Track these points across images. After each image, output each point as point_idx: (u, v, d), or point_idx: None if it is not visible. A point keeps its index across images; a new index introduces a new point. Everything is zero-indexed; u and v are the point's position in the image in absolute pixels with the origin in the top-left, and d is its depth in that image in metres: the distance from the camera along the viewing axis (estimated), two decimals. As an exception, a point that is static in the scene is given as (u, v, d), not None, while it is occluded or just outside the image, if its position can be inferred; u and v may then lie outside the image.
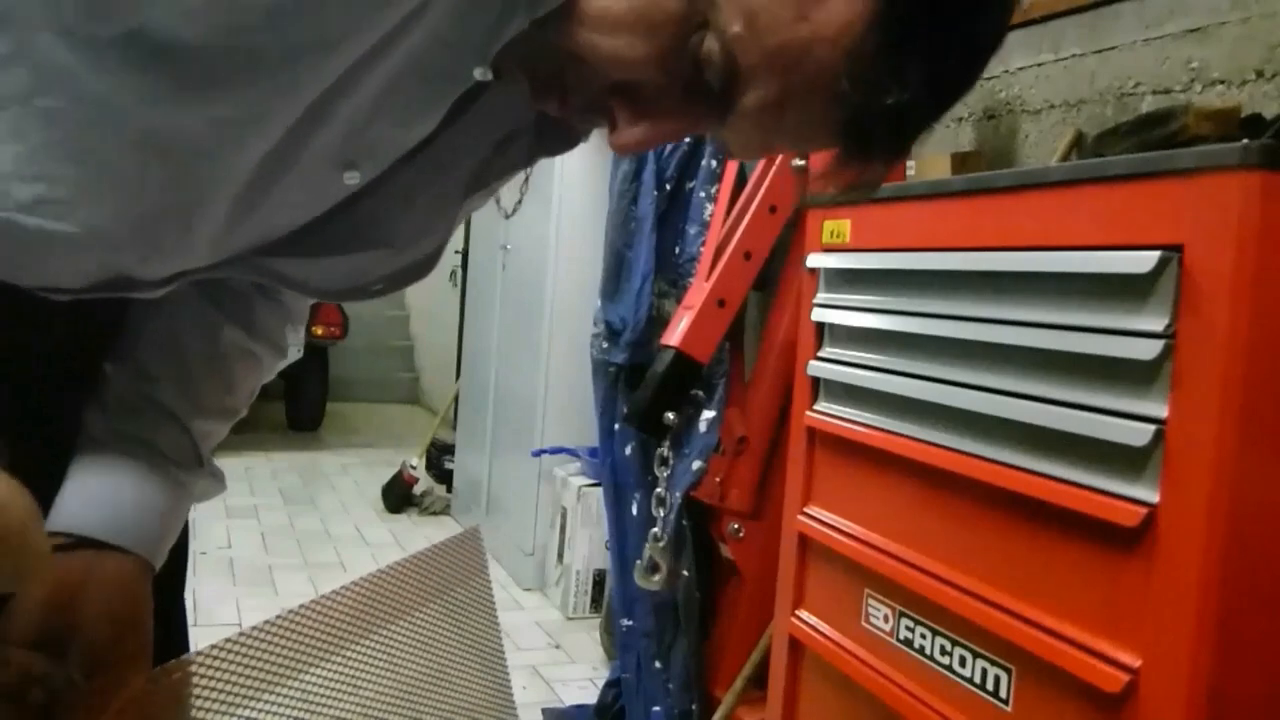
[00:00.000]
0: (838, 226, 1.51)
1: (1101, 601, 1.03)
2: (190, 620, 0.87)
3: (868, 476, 1.43)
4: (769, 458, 2.10)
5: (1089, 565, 1.04)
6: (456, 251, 4.84)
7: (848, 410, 1.47)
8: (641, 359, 2.26)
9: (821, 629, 1.51)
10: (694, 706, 2.18)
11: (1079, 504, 1.04)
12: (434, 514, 4.31)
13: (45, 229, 0.56)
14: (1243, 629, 0.93)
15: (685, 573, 2.15)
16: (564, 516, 3.17)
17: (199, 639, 0.75)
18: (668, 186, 2.35)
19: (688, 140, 2.29)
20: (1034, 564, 1.11)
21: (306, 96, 0.53)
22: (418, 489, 4.31)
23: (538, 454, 3.31)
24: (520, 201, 3.51)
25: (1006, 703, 1.14)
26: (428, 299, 6.60)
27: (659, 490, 2.12)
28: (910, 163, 1.80)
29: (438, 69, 0.55)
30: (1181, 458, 0.94)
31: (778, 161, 2.00)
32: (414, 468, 4.31)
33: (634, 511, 2.32)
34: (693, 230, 2.30)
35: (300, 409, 5.88)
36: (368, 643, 0.71)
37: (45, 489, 0.67)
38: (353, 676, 0.70)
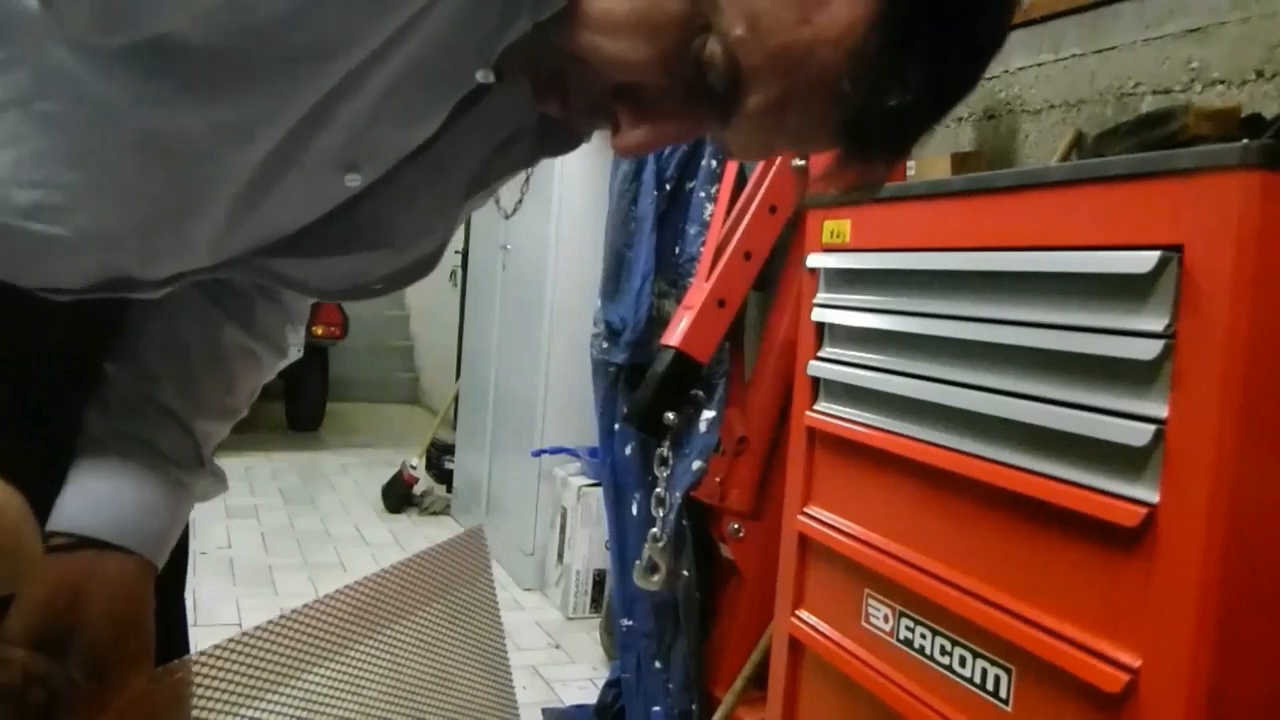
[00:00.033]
0: (838, 226, 1.51)
1: (1101, 601, 1.03)
2: (190, 620, 0.87)
3: (868, 476, 1.43)
4: (769, 458, 2.10)
5: (1089, 565, 1.04)
6: (456, 251, 4.84)
7: (848, 410, 1.47)
8: (641, 359, 2.26)
9: (821, 629, 1.51)
10: (694, 706, 2.18)
11: (1079, 504, 1.04)
12: (434, 514, 4.31)
13: (45, 233, 0.56)
14: (1243, 629, 0.93)
15: (685, 573, 2.15)
16: (564, 516, 3.17)
17: (199, 639, 0.75)
18: (668, 186, 2.35)
19: (688, 140, 2.29)
20: (1034, 564, 1.11)
21: (308, 99, 0.53)
22: (418, 489, 4.31)
23: (538, 454, 3.31)
24: (520, 202, 3.51)
25: (1006, 703, 1.14)
26: (428, 299, 6.60)
27: (658, 490, 2.12)
28: (910, 163, 1.80)
29: (440, 72, 0.55)
30: (1181, 458, 0.94)
31: (778, 161, 2.00)
32: (414, 468, 4.31)
33: (634, 511, 2.32)
34: (693, 230, 2.30)
35: (300, 409, 5.88)
36: (371, 643, 0.71)
37: (45, 489, 0.67)
38: (355, 677, 0.70)
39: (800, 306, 1.62)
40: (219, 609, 2.99)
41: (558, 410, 3.33)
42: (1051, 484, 1.08)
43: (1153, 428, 0.96)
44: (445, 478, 4.40)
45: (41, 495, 0.66)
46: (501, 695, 0.85)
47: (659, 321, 2.26)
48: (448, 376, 5.49)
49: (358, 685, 0.70)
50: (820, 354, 1.55)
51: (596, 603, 3.12)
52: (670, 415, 2.02)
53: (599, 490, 2.71)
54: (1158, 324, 0.96)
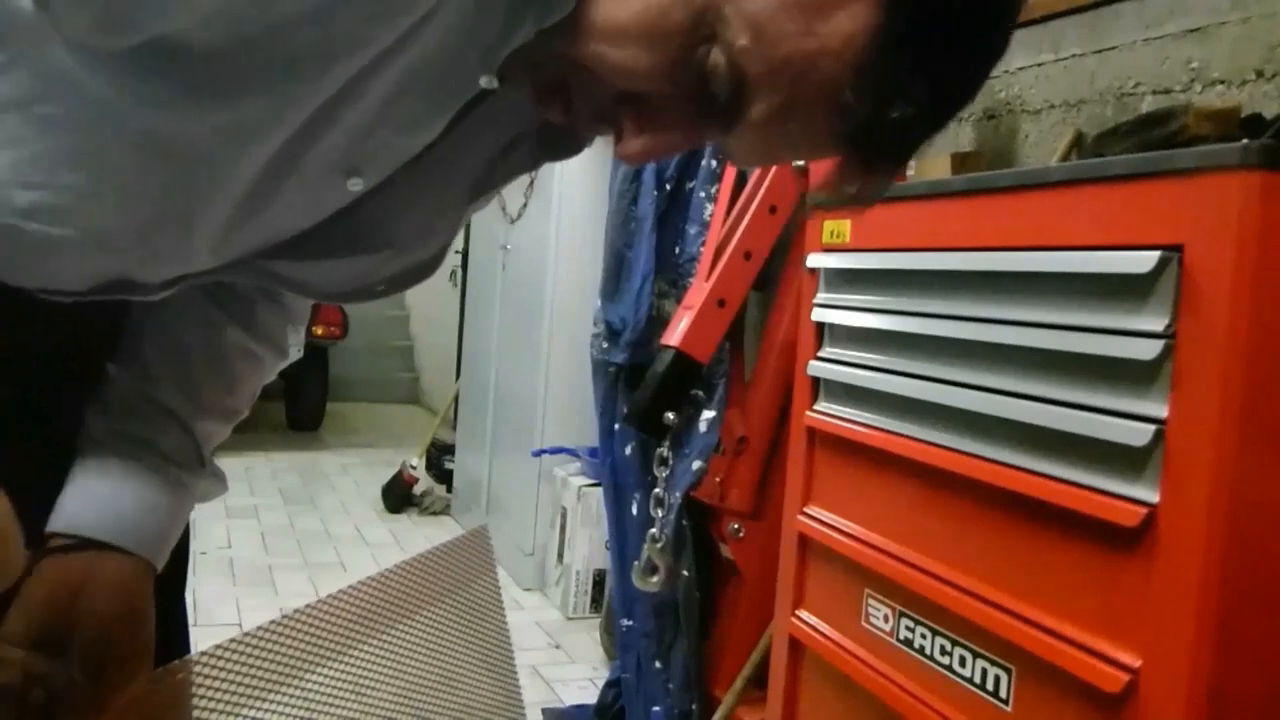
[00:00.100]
0: (838, 226, 1.51)
1: (1101, 601, 1.03)
2: (190, 620, 0.87)
3: (868, 476, 1.43)
4: (769, 458, 2.10)
5: (1089, 565, 1.04)
6: (456, 251, 4.84)
7: (848, 410, 1.47)
8: (641, 359, 2.26)
9: (821, 629, 1.51)
10: (694, 706, 2.18)
11: (1079, 504, 1.04)
12: (434, 514, 4.31)
13: (45, 234, 0.56)
14: (1243, 629, 0.93)
15: (685, 573, 2.15)
16: (564, 516, 3.17)
17: (199, 639, 0.75)
18: (668, 186, 2.35)
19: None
20: (1034, 564, 1.11)
21: (310, 104, 0.53)
22: (418, 489, 4.31)
23: (538, 454, 3.31)
24: (525, 206, 3.51)
25: (1006, 703, 1.14)
26: (428, 299, 6.60)
27: (657, 491, 2.12)
28: (910, 163, 1.80)
29: (443, 77, 0.55)
30: (1181, 458, 0.94)
31: (778, 162, 2.00)
32: (414, 468, 4.31)
33: (634, 511, 2.33)
34: (693, 230, 2.30)
35: (300, 409, 5.88)
36: (374, 643, 0.71)
37: (45, 489, 0.67)
38: (359, 678, 0.70)
39: (800, 306, 1.61)
40: (219, 609, 2.99)
41: (558, 410, 3.33)
42: (1051, 484, 1.08)
43: (1153, 428, 0.96)
44: (445, 478, 4.40)
45: (41, 495, 0.67)
46: (507, 695, 0.85)
47: (659, 321, 2.26)
48: (448, 376, 5.49)
49: (361, 686, 0.70)
50: (820, 354, 1.55)
51: (596, 603, 3.12)
52: (670, 415, 2.02)
53: (599, 490, 2.71)
54: (1158, 324, 0.96)
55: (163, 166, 0.55)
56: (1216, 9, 1.53)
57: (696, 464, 2.12)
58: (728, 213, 2.12)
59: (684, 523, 2.13)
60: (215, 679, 0.61)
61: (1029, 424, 1.11)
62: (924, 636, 1.28)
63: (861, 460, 1.44)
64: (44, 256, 0.58)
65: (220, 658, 0.61)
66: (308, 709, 0.67)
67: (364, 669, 0.71)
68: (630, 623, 2.31)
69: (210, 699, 0.61)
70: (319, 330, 5.36)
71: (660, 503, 2.11)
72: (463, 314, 4.66)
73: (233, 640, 0.62)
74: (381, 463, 4.96)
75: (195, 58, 0.50)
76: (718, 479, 2.10)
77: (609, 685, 2.47)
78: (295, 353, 0.83)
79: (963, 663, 1.21)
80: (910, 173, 1.80)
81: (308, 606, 0.66)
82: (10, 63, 0.52)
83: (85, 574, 0.65)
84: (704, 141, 0.58)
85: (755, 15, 0.49)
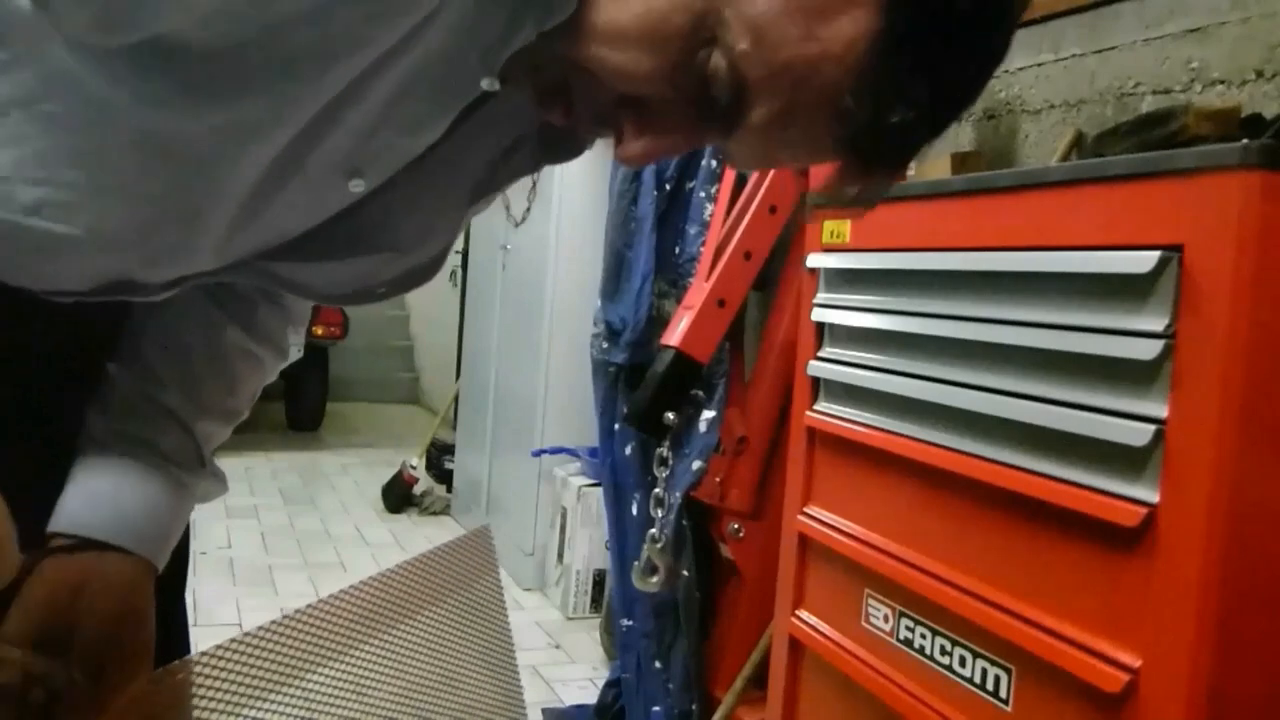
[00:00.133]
0: (838, 226, 1.51)
1: (1101, 601, 1.03)
2: (190, 620, 0.87)
3: (868, 476, 1.43)
4: (769, 458, 2.10)
5: (1089, 565, 1.04)
6: (457, 252, 4.84)
7: (848, 410, 1.48)
8: (641, 359, 2.26)
9: (821, 629, 1.51)
10: (694, 706, 2.18)
11: (1079, 504, 1.04)
12: (434, 514, 4.31)
13: (49, 231, 0.56)
14: (1243, 629, 0.93)
15: (685, 573, 2.15)
16: (564, 516, 3.17)
17: (199, 639, 0.75)
18: (668, 186, 2.35)
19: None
20: (1034, 564, 1.11)
21: (311, 105, 0.53)
22: (418, 489, 4.31)
23: (538, 454, 3.31)
24: (529, 209, 3.50)
25: (1006, 703, 1.14)
26: (428, 299, 6.60)
27: (657, 491, 2.12)
28: (910, 163, 1.80)
29: (445, 79, 0.55)
30: (1181, 458, 0.94)
31: (778, 162, 2.00)
32: (414, 468, 4.31)
33: (634, 511, 2.33)
34: (693, 230, 2.30)
35: (300, 409, 5.88)
36: (376, 643, 0.71)
37: (45, 489, 0.67)
38: (360, 678, 0.70)
39: (800, 306, 1.62)
40: (219, 609, 2.99)
41: (558, 410, 3.33)
42: (1051, 484, 1.08)
43: (1153, 428, 0.96)
44: (445, 478, 4.40)
45: (41, 495, 0.67)
46: (509, 696, 0.85)
47: (659, 321, 2.26)
48: (448, 376, 5.49)
49: (362, 686, 0.70)
50: (820, 354, 1.55)
51: (596, 603, 3.12)
52: (670, 415, 2.02)
53: (599, 490, 2.71)
54: (1158, 324, 0.96)
55: (163, 166, 0.55)
56: (1216, 9, 1.53)
57: (696, 464, 2.12)
58: (728, 213, 2.12)
59: (684, 523, 2.13)
60: (215, 679, 0.61)
61: (1029, 424, 1.11)
62: (924, 636, 1.28)
63: (861, 460, 1.44)
64: (46, 256, 0.58)
65: (220, 658, 0.61)
66: (308, 709, 0.67)
67: (365, 669, 0.71)
68: (630, 623, 2.31)
69: (210, 699, 0.61)
70: (319, 330, 5.36)
71: (660, 503, 2.11)
72: (463, 314, 4.66)
73: (233, 640, 0.62)
74: (381, 463, 4.96)
75: (194, 57, 0.50)
76: (718, 479, 2.10)
77: (609, 685, 2.47)
78: (295, 353, 0.83)
79: (963, 663, 1.21)
80: (910, 173, 1.80)
81: (308, 606, 0.66)
82: (11, 62, 0.52)
83: (86, 574, 0.65)
84: (704, 144, 0.58)
85: (756, 19, 0.49)
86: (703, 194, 2.29)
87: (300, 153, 0.55)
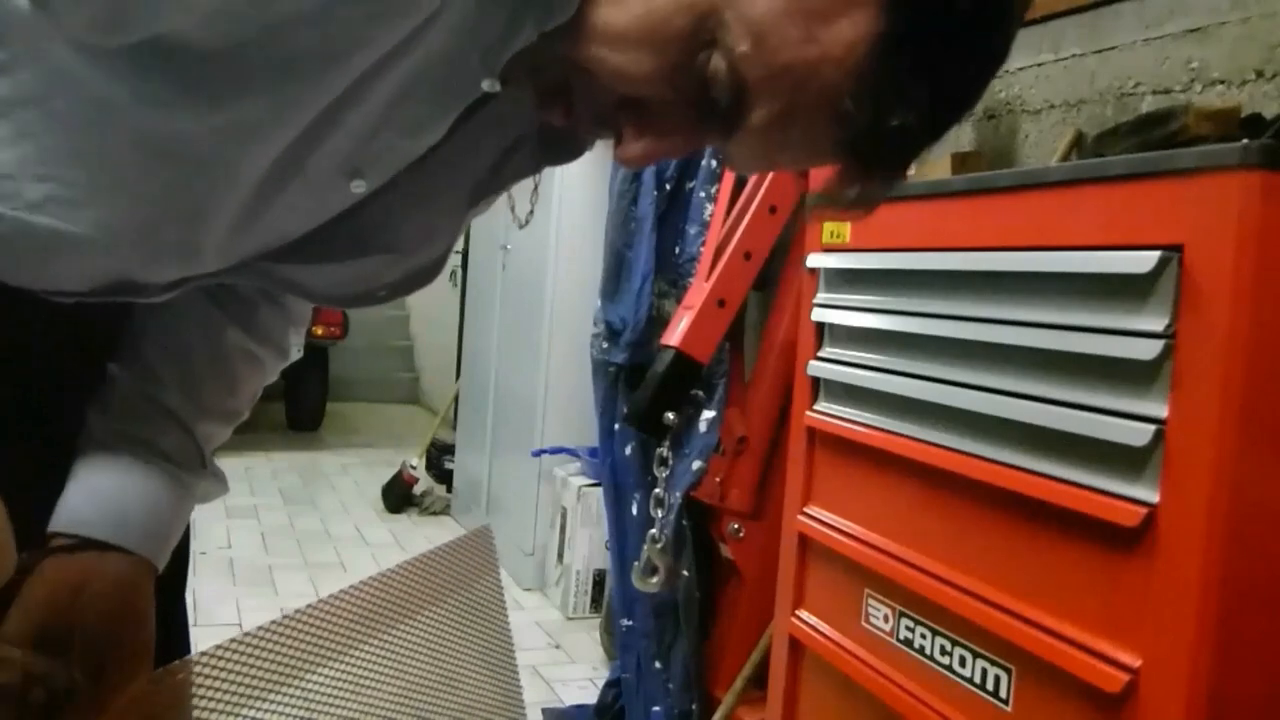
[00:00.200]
0: (838, 227, 1.51)
1: (1101, 601, 1.03)
2: (190, 620, 0.87)
3: (868, 476, 1.43)
4: (769, 458, 2.10)
5: (1089, 565, 1.04)
6: (457, 252, 4.83)
7: (848, 410, 1.48)
8: (641, 359, 2.26)
9: (821, 629, 1.51)
10: (694, 706, 2.18)
11: (1079, 504, 1.04)
12: (434, 514, 4.31)
13: (54, 228, 0.56)
14: (1243, 629, 0.93)
15: (685, 573, 2.15)
16: (564, 516, 3.17)
17: (199, 639, 0.75)
18: (668, 186, 2.35)
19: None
20: (1034, 564, 1.11)
21: (312, 105, 0.53)
22: (418, 489, 4.31)
23: (538, 454, 3.31)
24: (532, 210, 3.50)
25: (1006, 703, 1.14)
26: (428, 299, 6.58)
27: (657, 491, 2.12)
28: (910, 163, 1.79)
29: (445, 80, 0.55)
30: (1181, 458, 0.94)
31: (778, 162, 2.00)
32: (414, 468, 4.31)
33: (634, 511, 2.32)
34: (693, 230, 2.30)
35: (300, 409, 5.88)
36: (376, 643, 0.71)
37: (45, 489, 0.67)
38: (360, 677, 0.70)
39: (800, 306, 1.62)
40: (219, 609, 2.99)
41: (558, 410, 3.33)
42: (1051, 484, 1.08)
43: (1153, 428, 0.96)
44: (445, 478, 4.40)
45: (41, 495, 0.67)
46: (509, 696, 0.85)
47: (659, 321, 2.26)
48: (448, 376, 5.49)
49: (362, 686, 0.70)
50: (820, 354, 1.55)
51: (596, 603, 3.12)
52: (670, 415, 2.02)
53: (599, 490, 2.71)
54: (1158, 324, 0.96)
55: (163, 166, 0.55)
56: (1216, 9, 1.53)
57: (696, 464, 2.12)
58: (728, 213, 2.12)
59: (684, 523, 2.13)
60: (215, 679, 0.61)
61: (1029, 424, 1.11)
62: (924, 636, 1.28)
63: (861, 460, 1.44)
64: (49, 255, 0.58)
65: (220, 658, 0.61)
66: (308, 709, 0.67)
67: (365, 669, 0.71)
68: (630, 623, 2.31)
69: (210, 699, 0.61)
70: (319, 330, 5.36)
71: (660, 503, 2.11)
72: (463, 314, 4.66)
73: (233, 640, 0.62)
74: (381, 463, 4.96)
75: (194, 57, 0.50)
76: (718, 479, 2.10)
77: (609, 685, 2.47)
78: (296, 353, 0.83)
79: (963, 663, 1.21)
80: (910, 173, 1.80)
81: (308, 606, 0.66)
82: (11, 61, 0.52)
83: (86, 574, 0.65)
84: (703, 146, 0.58)
85: (756, 21, 0.49)
86: (703, 194, 2.29)
87: (301, 154, 0.55)
